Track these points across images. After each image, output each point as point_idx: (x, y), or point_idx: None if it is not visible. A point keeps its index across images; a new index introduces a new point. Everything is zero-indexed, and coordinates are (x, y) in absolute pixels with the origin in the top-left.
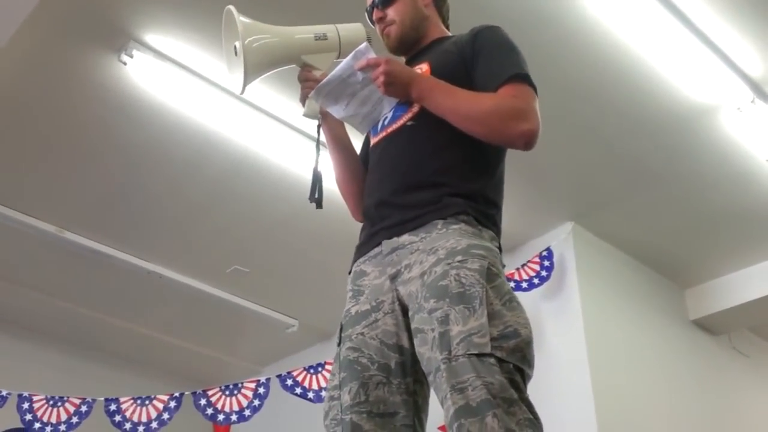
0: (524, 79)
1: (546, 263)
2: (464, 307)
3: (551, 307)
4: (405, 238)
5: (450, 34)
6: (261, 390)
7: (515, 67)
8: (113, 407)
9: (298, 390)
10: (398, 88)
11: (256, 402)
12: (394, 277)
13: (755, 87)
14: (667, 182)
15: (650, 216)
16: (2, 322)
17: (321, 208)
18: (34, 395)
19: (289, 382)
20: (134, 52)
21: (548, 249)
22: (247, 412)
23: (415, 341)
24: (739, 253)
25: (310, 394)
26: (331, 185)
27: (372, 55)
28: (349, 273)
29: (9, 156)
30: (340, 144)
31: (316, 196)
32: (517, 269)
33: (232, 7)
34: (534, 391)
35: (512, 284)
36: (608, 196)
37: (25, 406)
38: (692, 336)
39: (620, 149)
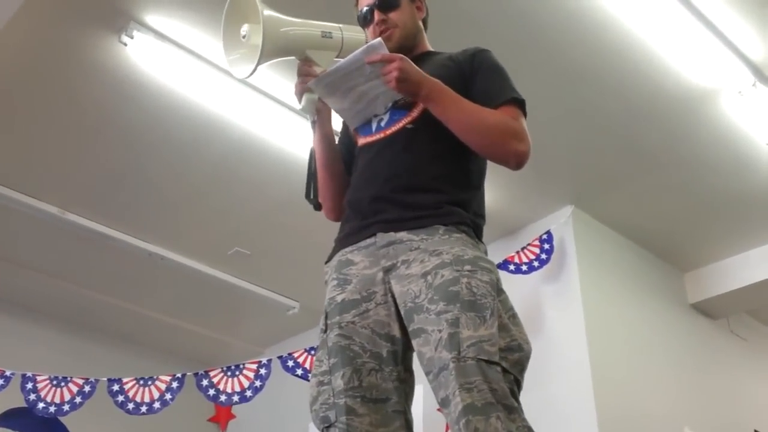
0: (521, 104)
1: (546, 246)
2: (475, 315)
3: (551, 290)
4: (403, 234)
5: (432, 49)
6: (262, 371)
7: (513, 92)
8: (116, 387)
9: (299, 371)
10: (410, 86)
11: (258, 383)
12: (388, 270)
13: (756, 70)
14: (667, 166)
15: (650, 199)
16: (5, 303)
17: (319, 210)
18: (38, 375)
19: (290, 363)
20: (135, 33)
21: (548, 232)
22: (248, 393)
23: (416, 341)
24: (738, 237)
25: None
26: None
27: (385, 50)
28: (327, 262)
29: (10, 137)
30: (327, 142)
31: (312, 196)
32: (517, 252)
33: None
34: (533, 372)
35: (512, 267)
36: (608, 180)
37: (29, 386)
38: (691, 319)
39: (621, 133)
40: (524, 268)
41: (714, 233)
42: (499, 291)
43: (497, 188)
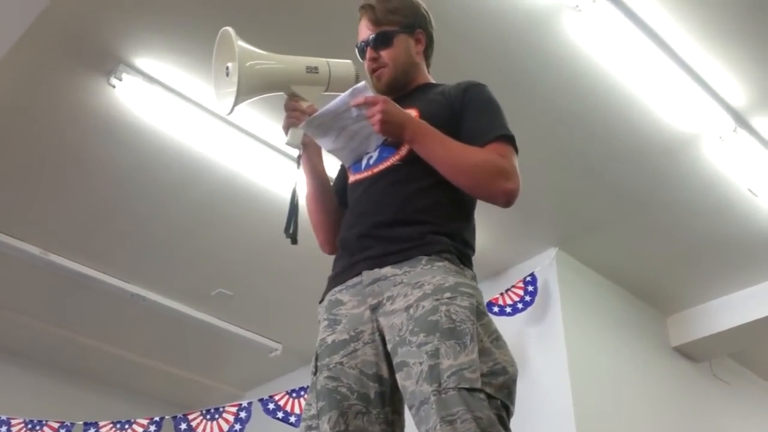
0: (510, 140)
1: (530, 288)
2: (455, 342)
3: (535, 332)
4: (387, 270)
5: (432, 81)
6: (242, 414)
7: (502, 128)
8: (92, 431)
9: (280, 414)
10: (393, 128)
11: (237, 426)
12: (375, 308)
13: (737, 116)
14: (650, 209)
15: (633, 243)
16: None
17: (296, 244)
18: (12, 419)
19: (271, 406)
20: (123, 75)
21: (532, 274)
22: None
23: (399, 374)
24: (720, 280)
25: (292, 418)
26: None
27: (370, 93)
28: (320, 302)
29: None
30: (318, 176)
31: (291, 231)
32: (502, 294)
33: (230, 29)
34: (517, 414)
35: (497, 309)
36: (592, 223)
37: (3, 429)
38: (674, 362)
39: (604, 176)
40: (508, 309)
41: (696, 277)
42: (480, 314)
43: (482, 230)
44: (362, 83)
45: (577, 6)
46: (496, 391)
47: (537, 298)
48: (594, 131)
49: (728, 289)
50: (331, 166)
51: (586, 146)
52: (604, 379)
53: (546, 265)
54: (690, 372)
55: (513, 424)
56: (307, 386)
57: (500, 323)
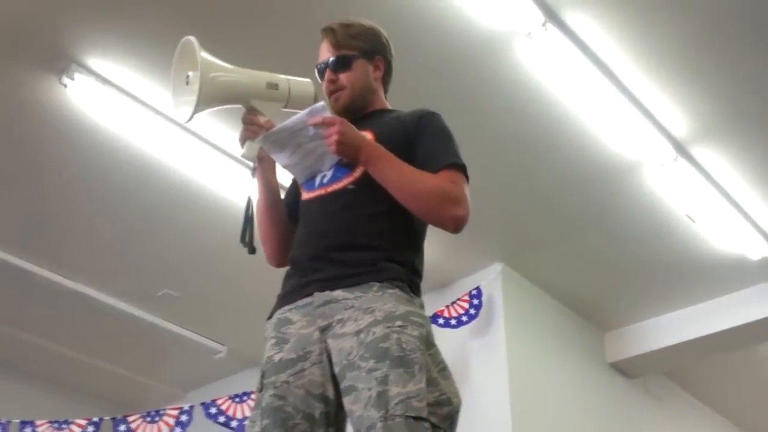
0: (462, 169)
1: (475, 302)
2: (404, 371)
3: (478, 345)
4: (339, 293)
5: (389, 107)
6: (183, 417)
7: (454, 156)
8: (28, 430)
9: (222, 419)
10: (349, 150)
11: (178, 430)
12: (324, 329)
13: (678, 145)
14: (592, 231)
15: (574, 262)
16: None
17: (254, 254)
18: None
19: (213, 410)
20: (76, 75)
21: (477, 288)
22: None
23: (347, 398)
24: (657, 301)
25: (234, 423)
26: None
27: (328, 114)
28: (268, 318)
29: None
30: (270, 189)
31: (247, 240)
32: (447, 306)
33: (192, 39)
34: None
35: (441, 321)
36: (536, 241)
37: None
38: (609, 378)
39: (550, 197)
40: (453, 322)
41: (633, 296)
42: (429, 345)
43: (429, 243)
44: (321, 103)
45: (529, 33)
46: (440, 420)
47: (481, 312)
48: (541, 154)
49: (663, 310)
50: (284, 178)
51: (533, 168)
52: (543, 393)
53: (491, 279)
54: (625, 387)
55: None
56: (251, 391)
57: (444, 335)
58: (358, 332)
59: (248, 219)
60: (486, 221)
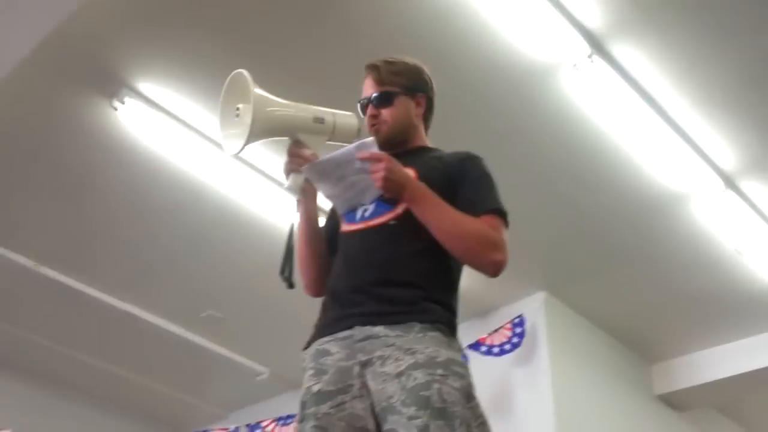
0: (503, 215)
1: (518, 330)
2: (444, 424)
3: (521, 374)
4: (380, 329)
5: (429, 144)
6: None
7: (496, 202)
8: None
9: None
10: (394, 186)
11: None
12: (364, 365)
13: (726, 178)
14: (639, 261)
15: (621, 292)
16: None
17: (293, 288)
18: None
19: (258, 431)
20: (126, 99)
21: (520, 316)
22: None
23: None
24: (705, 333)
25: None
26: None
27: (376, 149)
28: (305, 348)
29: None
30: (311, 222)
31: (287, 273)
32: (490, 334)
33: (245, 72)
34: None
35: (484, 348)
36: (581, 270)
37: None
38: (657, 411)
39: (595, 227)
40: (496, 350)
41: (681, 328)
42: (469, 397)
43: (473, 269)
44: (370, 139)
45: (575, 64)
46: None
47: (524, 340)
48: (588, 184)
49: (712, 342)
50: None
51: (579, 197)
52: (588, 424)
53: (535, 308)
54: (673, 421)
55: None
56: (294, 414)
57: (487, 363)
58: (399, 374)
59: (289, 251)
60: (530, 250)
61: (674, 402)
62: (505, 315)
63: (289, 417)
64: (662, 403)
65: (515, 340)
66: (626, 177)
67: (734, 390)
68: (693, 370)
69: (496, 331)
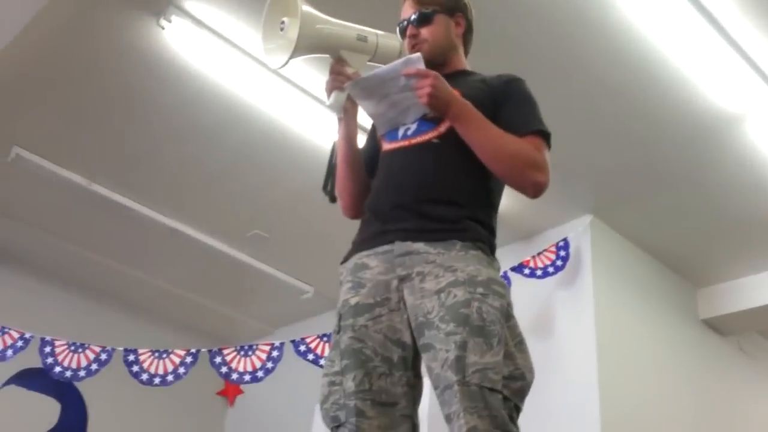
0: (546, 137)
1: (562, 253)
2: (483, 341)
3: (564, 296)
4: (420, 245)
5: (469, 68)
6: (275, 353)
7: (541, 124)
8: (132, 358)
9: (311, 356)
10: (440, 103)
11: (270, 364)
12: (403, 279)
13: None
14: (689, 185)
15: (669, 216)
16: (29, 267)
17: (334, 202)
18: (57, 339)
19: (303, 348)
20: (173, 18)
21: (565, 239)
22: (259, 374)
23: (425, 354)
24: (754, 258)
25: (322, 361)
26: None
27: (422, 65)
28: (342, 263)
29: (44, 108)
30: (350, 141)
31: (329, 188)
32: (533, 257)
33: None
34: (540, 376)
35: (527, 271)
36: (629, 194)
37: (47, 349)
38: (701, 335)
39: (645, 149)
40: (539, 273)
41: (729, 253)
42: (508, 317)
43: (517, 192)
44: (417, 55)
45: None
46: (512, 394)
47: (568, 264)
48: (638, 104)
49: (760, 268)
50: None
51: (629, 118)
52: (631, 347)
53: (580, 231)
54: (716, 345)
55: (535, 385)
56: None
57: (530, 285)
58: (438, 291)
59: (331, 168)
60: (577, 172)
61: (719, 327)
62: (549, 238)
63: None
64: (706, 328)
65: (559, 263)
66: (679, 97)
67: None
68: (739, 295)
69: (540, 253)
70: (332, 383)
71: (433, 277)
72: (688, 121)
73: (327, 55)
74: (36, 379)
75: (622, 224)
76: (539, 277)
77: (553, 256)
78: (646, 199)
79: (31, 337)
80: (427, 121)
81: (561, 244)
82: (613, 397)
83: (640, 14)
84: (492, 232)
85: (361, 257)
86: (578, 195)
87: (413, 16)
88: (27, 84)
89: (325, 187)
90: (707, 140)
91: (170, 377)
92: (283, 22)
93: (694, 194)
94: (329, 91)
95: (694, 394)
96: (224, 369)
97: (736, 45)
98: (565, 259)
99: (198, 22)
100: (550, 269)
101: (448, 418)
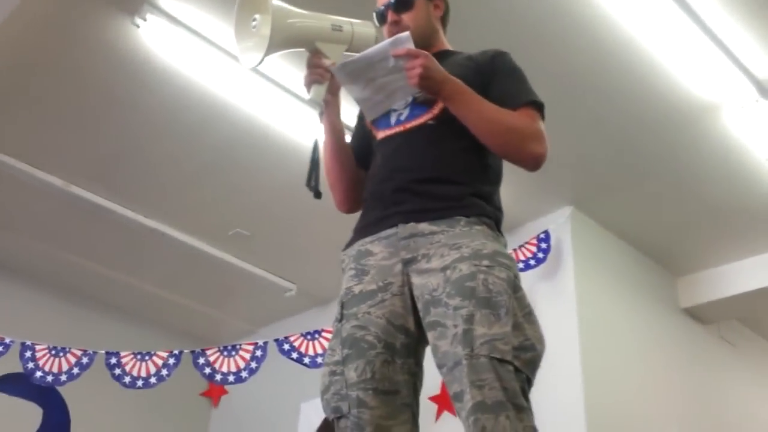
0: (540, 107)
1: (543, 245)
2: (490, 313)
3: (546, 288)
4: (424, 226)
5: (450, 47)
6: (258, 353)
7: (532, 94)
8: (114, 360)
9: (295, 355)
10: (432, 83)
11: (253, 364)
12: (407, 262)
13: (760, 86)
14: (667, 174)
15: (649, 205)
16: (8, 271)
17: (319, 198)
18: (37, 344)
19: (286, 346)
20: (148, 16)
21: (546, 231)
22: (243, 374)
23: (431, 333)
24: (733, 246)
25: (306, 360)
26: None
27: (411, 45)
28: (344, 249)
29: (21, 110)
30: (336, 134)
31: (313, 184)
32: (515, 250)
33: None
34: None
35: None
36: (608, 184)
37: (28, 354)
38: (682, 323)
39: (622, 139)
40: (521, 266)
41: (708, 241)
42: (515, 288)
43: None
44: (405, 34)
45: None
46: (523, 365)
47: (550, 256)
48: (616, 95)
49: (739, 255)
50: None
51: (606, 109)
52: (613, 338)
53: (560, 223)
54: (697, 333)
55: None
56: (322, 330)
57: None
58: (444, 268)
59: (314, 163)
60: (556, 163)
61: (699, 315)
62: (530, 230)
63: (317, 332)
64: (687, 316)
65: (540, 255)
66: (655, 87)
67: (759, 302)
68: (718, 283)
69: (521, 246)
70: (333, 373)
71: (439, 256)
72: (664, 111)
73: (303, 49)
74: (17, 384)
75: (602, 215)
76: (521, 270)
77: (534, 249)
78: (625, 189)
79: (11, 342)
80: (419, 105)
81: (542, 236)
82: (597, 388)
83: (616, 4)
84: (497, 207)
85: (364, 243)
86: (558, 187)
87: (392, 1)
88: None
89: (308, 183)
90: (684, 129)
91: (153, 379)
92: (254, 20)
93: (672, 183)
94: (308, 84)
95: (676, 382)
96: (208, 370)
97: (711, 33)
98: (546, 251)
99: (174, 20)
100: (532, 262)
101: (457, 396)
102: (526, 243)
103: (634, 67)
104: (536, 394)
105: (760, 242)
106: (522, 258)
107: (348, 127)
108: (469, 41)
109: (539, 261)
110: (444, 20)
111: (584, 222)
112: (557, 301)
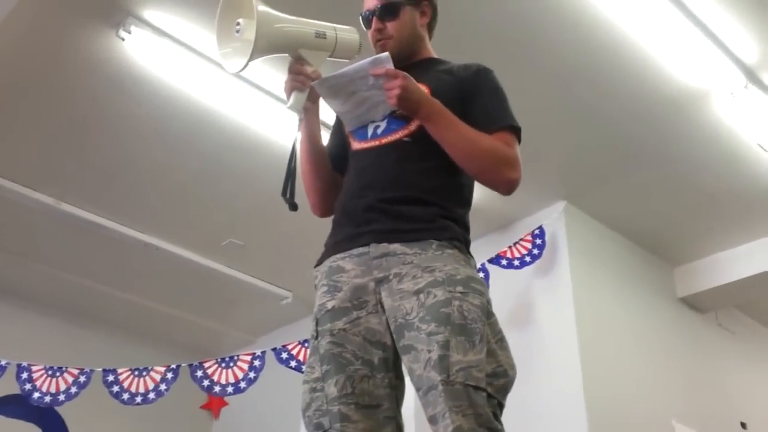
0: (517, 132)
1: (538, 241)
2: (465, 340)
3: (542, 284)
4: (396, 246)
5: (435, 55)
6: (256, 363)
7: (511, 119)
8: (111, 378)
9: (293, 363)
10: (410, 104)
11: (252, 374)
12: (380, 281)
13: (749, 72)
14: (659, 163)
15: (641, 196)
16: (2, 292)
17: (295, 210)
18: (33, 365)
19: (284, 355)
20: (132, 28)
21: (540, 227)
22: (242, 384)
23: (405, 356)
24: (728, 233)
25: (304, 367)
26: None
27: (391, 65)
28: (316, 266)
29: (8, 128)
30: (314, 141)
31: (288, 196)
32: (510, 247)
33: None
34: (524, 366)
35: (504, 262)
36: (600, 176)
37: (24, 375)
38: (680, 313)
39: (613, 130)
40: (516, 263)
41: (703, 229)
42: (488, 314)
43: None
44: (385, 54)
45: None
46: (496, 391)
47: (545, 251)
48: (604, 85)
49: (735, 242)
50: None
51: (595, 100)
52: (611, 330)
53: (554, 218)
54: (695, 322)
55: (520, 374)
56: None
57: (508, 276)
58: (417, 292)
59: (290, 172)
60: (548, 158)
61: (696, 303)
62: (524, 227)
63: None
64: (685, 306)
65: (535, 251)
66: (643, 76)
67: (756, 289)
68: (714, 271)
69: (516, 243)
70: (313, 390)
71: (411, 277)
72: (653, 98)
73: (285, 54)
74: (16, 406)
75: (596, 207)
76: (517, 267)
77: (529, 245)
78: (617, 180)
79: (7, 364)
80: (397, 119)
81: (536, 232)
82: (597, 381)
83: None
84: (466, 229)
85: (335, 260)
86: (550, 182)
87: (378, 6)
88: None
89: (284, 194)
90: (674, 118)
91: (152, 395)
92: (238, 24)
93: (664, 173)
94: (288, 91)
95: (676, 372)
96: (206, 382)
97: (698, 21)
98: (541, 247)
99: (158, 32)
100: (527, 258)
101: (433, 419)
102: (521, 240)
103: (623, 57)
104: (537, 389)
105: (755, 228)
106: (518, 255)
107: (326, 125)
108: (461, 35)
109: (535, 257)
110: (431, 26)
111: (578, 216)
112: (554, 296)
